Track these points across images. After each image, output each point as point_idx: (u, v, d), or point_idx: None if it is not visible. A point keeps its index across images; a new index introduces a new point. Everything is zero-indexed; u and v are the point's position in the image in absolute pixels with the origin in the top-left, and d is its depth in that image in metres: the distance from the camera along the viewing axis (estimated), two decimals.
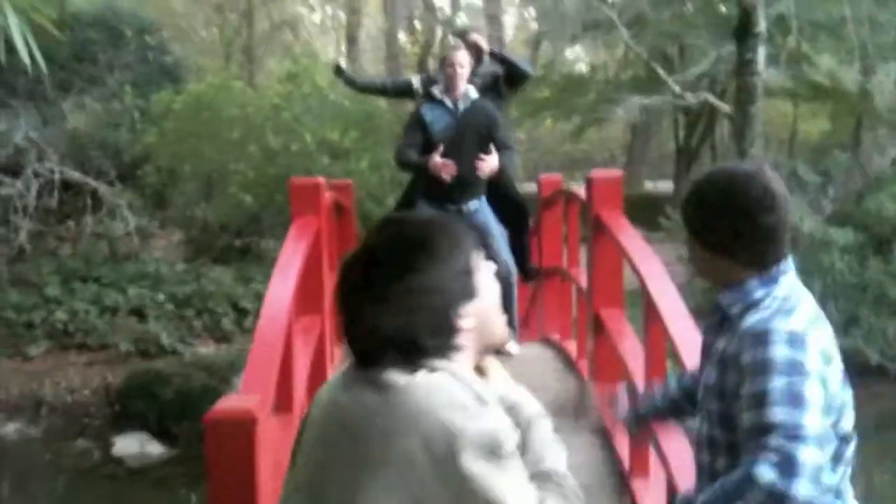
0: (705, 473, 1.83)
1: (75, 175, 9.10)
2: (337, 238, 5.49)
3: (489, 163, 4.88)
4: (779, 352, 1.60)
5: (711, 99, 10.14)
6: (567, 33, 14.85)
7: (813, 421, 1.51)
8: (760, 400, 1.56)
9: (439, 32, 17.43)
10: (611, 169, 4.82)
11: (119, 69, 10.99)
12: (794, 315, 1.68)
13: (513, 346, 5.47)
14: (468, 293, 1.36)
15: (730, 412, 1.69)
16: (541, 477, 1.34)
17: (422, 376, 1.28)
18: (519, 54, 5.81)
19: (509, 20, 23.57)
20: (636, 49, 11.25)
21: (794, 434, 1.49)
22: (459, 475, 1.21)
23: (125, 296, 8.68)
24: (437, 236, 1.38)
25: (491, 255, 4.38)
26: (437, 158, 4.82)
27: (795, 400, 1.54)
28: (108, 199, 9.16)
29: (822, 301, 8.12)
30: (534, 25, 19.76)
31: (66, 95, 9.84)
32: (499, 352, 5.20)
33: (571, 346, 5.39)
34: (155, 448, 7.30)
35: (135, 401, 7.66)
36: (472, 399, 1.27)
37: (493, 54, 5.80)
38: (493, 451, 1.23)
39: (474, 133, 4.98)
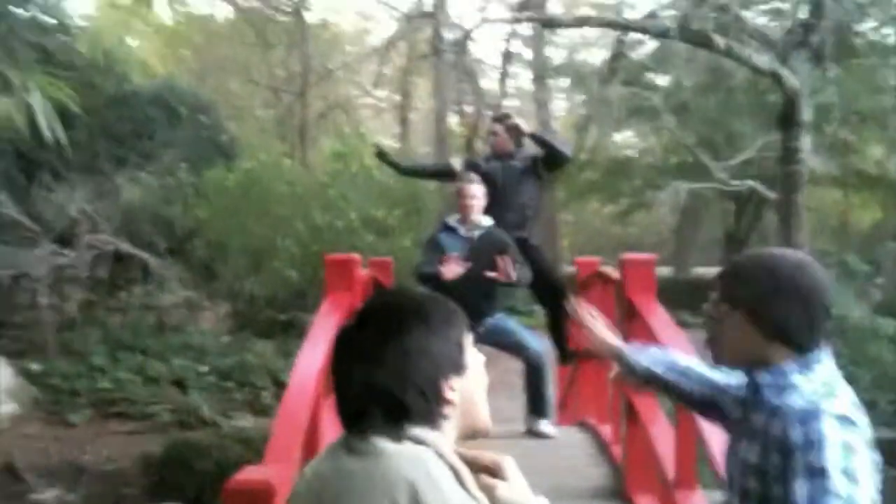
0: None
1: (127, 247, 9.36)
2: None
3: (503, 272, 5.01)
4: (830, 430, 1.61)
5: (756, 186, 10.10)
6: (613, 119, 14.99)
7: (866, 500, 1.55)
8: (818, 472, 1.57)
9: (488, 116, 17.71)
10: (646, 253, 4.80)
11: (174, 146, 11.37)
12: (837, 398, 1.69)
13: (549, 429, 5.45)
14: (457, 366, 1.38)
15: (770, 493, 1.69)
16: None
17: (406, 447, 1.30)
18: (561, 137, 5.89)
19: (559, 104, 23.90)
20: (680, 136, 11.30)
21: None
22: None
23: (169, 366, 8.81)
24: (430, 306, 1.41)
25: (514, 348, 4.37)
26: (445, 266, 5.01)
27: (851, 476, 1.56)
28: (158, 271, 9.38)
29: (871, 391, 7.96)
30: (582, 110, 19.99)
31: (121, 170, 10.18)
32: (536, 433, 5.17)
33: (606, 431, 5.33)
34: None
35: (173, 471, 7.69)
36: (450, 480, 1.27)
37: (533, 136, 5.91)
38: None
39: (487, 260, 5.09)
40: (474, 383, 1.41)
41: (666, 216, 22.86)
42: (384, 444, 1.29)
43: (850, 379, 1.80)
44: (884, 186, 12.51)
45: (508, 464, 1.41)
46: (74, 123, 10.69)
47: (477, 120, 17.42)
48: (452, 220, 5.41)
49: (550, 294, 5.73)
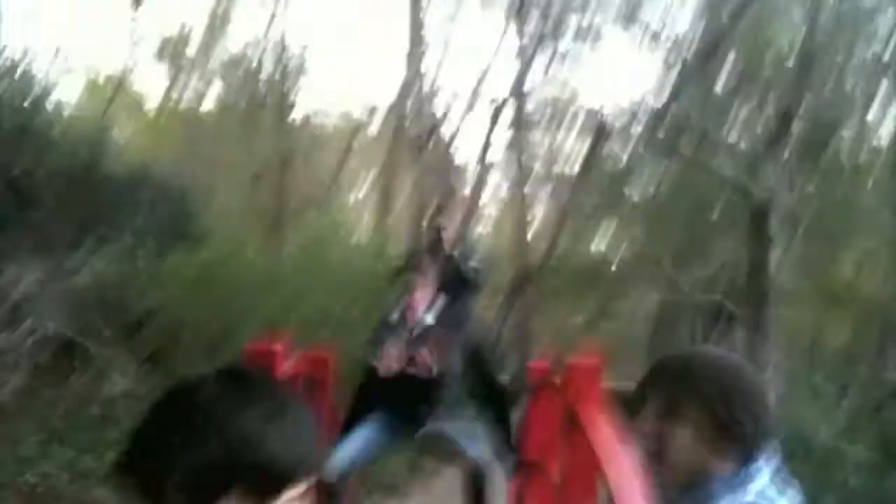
0: None
1: (69, 333, 8.99)
2: None
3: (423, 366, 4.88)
4: None
5: (723, 301, 9.95)
6: (583, 225, 15.00)
7: None
8: None
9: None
10: (592, 356, 4.54)
11: (140, 231, 11.14)
12: None
13: None
14: (256, 493, 1.11)
15: None
16: None
17: None
18: (477, 266, 5.63)
19: (536, 210, 23.97)
20: (648, 245, 11.22)
21: None
22: None
23: (102, 463, 8.31)
24: (284, 409, 1.15)
25: (451, 456, 4.14)
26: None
27: None
28: (101, 359, 8.98)
29: None
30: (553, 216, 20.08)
31: (74, 252, 9.92)
32: None
33: None
34: None
35: None
36: None
37: (448, 257, 5.69)
38: None
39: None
40: None
41: (637, 327, 22.76)
42: None
43: None
44: (855, 306, 12.39)
45: None
46: (31, 204, 10.50)
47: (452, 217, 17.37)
48: (393, 319, 5.24)
49: (490, 398, 5.47)
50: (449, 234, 5.80)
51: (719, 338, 16.56)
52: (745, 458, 1.53)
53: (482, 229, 29.16)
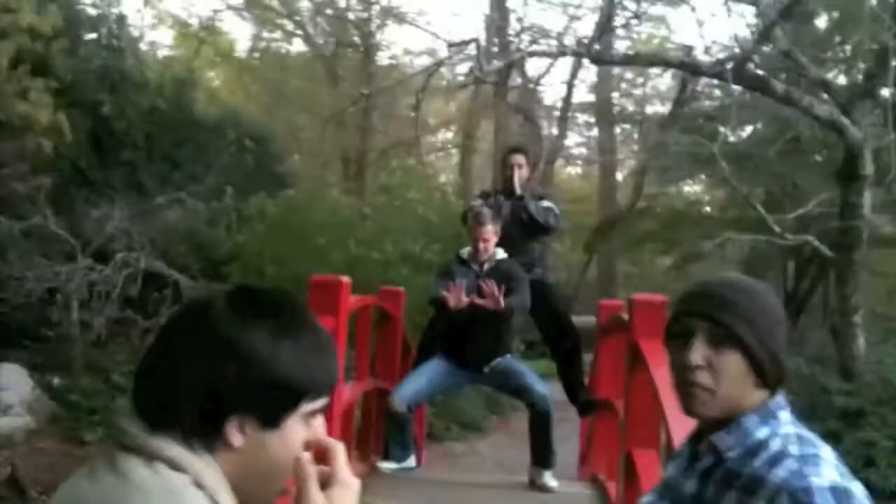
0: None
1: (161, 267, 9.31)
2: (365, 342, 5.36)
3: (491, 299, 4.82)
4: None
5: (813, 241, 9.58)
6: (672, 168, 14.62)
7: None
8: None
9: (543, 159, 17.50)
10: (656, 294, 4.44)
11: (228, 173, 11.39)
12: (824, 462, 1.38)
13: (552, 482, 5.18)
14: (263, 411, 1.09)
15: None
16: None
17: (157, 475, 1.02)
18: (553, 208, 5.62)
19: (621, 152, 23.58)
20: (738, 187, 10.86)
21: None
22: None
23: None
24: (290, 328, 1.11)
25: (518, 392, 4.19)
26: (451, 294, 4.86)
27: None
28: (188, 293, 9.28)
29: None
30: (641, 158, 19.66)
31: (164, 190, 10.22)
32: (537, 486, 4.85)
33: (614, 488, 4.95)
34: None
35: None
36: None
37: (520, 198, 5.64)
38: None
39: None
40: (277, 453, 1.10)
41: (727, 270, 22.24)
42: (129, 468, 1.02)
43: None
44: None
45: (343, 478, 1.11)
46: (122, 144, 10.84)
47: (536, 160, 17.20)
48: (465, 252, 5.26)
49: (559, 337, 5.45)
50: (522, 175, 5.75)
51: (811, 284, 16.08)
52: (777, 387, 1.49)
53: (571, 171, 28.89)
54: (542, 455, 5.10)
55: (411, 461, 5.39)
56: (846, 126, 8.51)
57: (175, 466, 1.03)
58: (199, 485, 1.03)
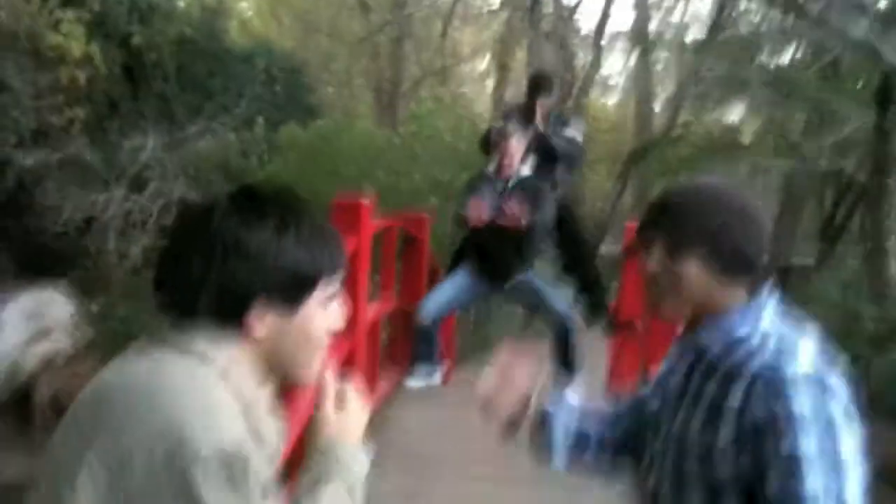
0: None
1: (193, 195, 9.47)
2: (390, 264, 5.45)
3: (513, 215, 4.87)
4: (802, 405, 1.36)
5: (846, 166, 9.43)
6: (707, 94, 14.36)
7: (853, 488, 1.34)
8: (791, 466, 1.34)
9: (576, 87, 17.29)
10: None
11: (259, 103, 11.45)
12: (800, 354, 1.43)
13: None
14: (284, 295, 1.17)
15: (714, 471, 1.45)
16: None
17: (187, 365, 1.11)
18: (575, 147, 5.59)
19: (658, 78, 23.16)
20: (774, 113, 10.66)
21: None
22: (179, 490, 1.02)
23: None
24: (302, 221, 1.19)
25: (540, 309, 4.28)
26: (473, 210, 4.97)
27: (833, 465, 1.34)
28: None
29: None
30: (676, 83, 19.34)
31: (195, 119, 10.32)
32: None
33: None
34: None
35: None
36: (229, 409, 1.09)
37: (543, 136, 5.59)
38: (229, 477, 1.03)
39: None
40: (299, 338, 1.19)
41: (764, 196, 21.96)
42: (162, 357, 1.12)
43: None
44: None
45: (354, 399, 1.27)
46: (154, 74, 10.92)
47: (567, 91, 16.97)
48: (490, 169, 5.28)
49: (578, 258, 5.50)
50: (545, 104, 5.71)
51: (848, 212, 15.86)
52: (753, 286, 1.53)
53: (606, 100, 28.49)
54: (563, 368, 5.17)
55: (437, 378, 5.53)
56: (882, 49, 8.29)
57: (203, 360, 1.12)
58: (225, 377, 1.11)
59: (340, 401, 1.27)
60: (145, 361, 1.12)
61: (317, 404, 1.25)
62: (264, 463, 1.10)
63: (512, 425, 1.76)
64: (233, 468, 1.03)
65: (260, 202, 1.19)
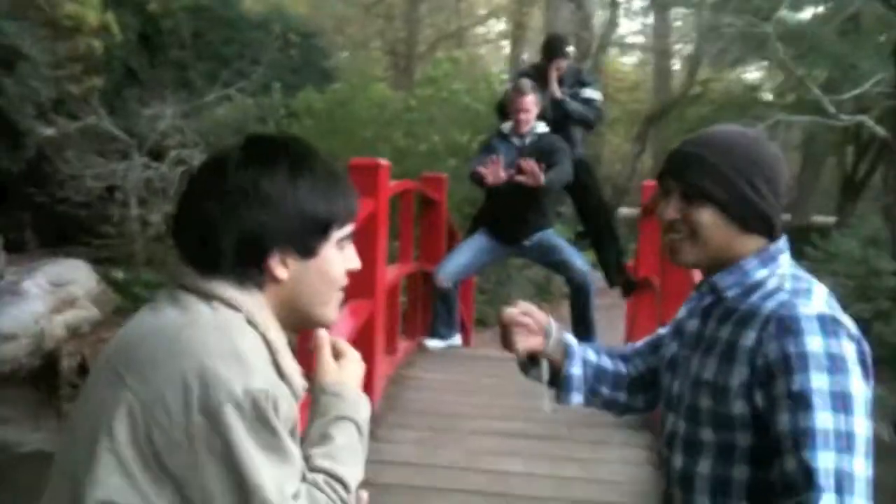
0: (677, 478, 1.60)
1: None
2: (408, 226, 5.48)
3: (530, 174, 4.81)
4: (814, 343, 1.40)
5: (866, 121, 9.34)
6: (725, 51, 14.19)
7: (861, 425, 1.36)
8: (802, 402, 1.37)
9: (594, 47, 17.11)
10: None
11: (275, 69, 11.44)
12: (814, 297, 1.47)
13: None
14: (301, 243, 1.20)
15: (729, 411, 1.48)
16: (316, 471, 1.17)
17: (214, 312, 1.14)
18: (592, 111, 5.59)
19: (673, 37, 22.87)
20: (794, 69, 10.54)
21: (845, 445, 1.35)
22: (210, 431, 1.05)
23: None
24: (314, 164, 1.22)
25: (558, 267, 4.28)
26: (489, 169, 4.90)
27: (843, 401, 1.36)
28: None
29: None
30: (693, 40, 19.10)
31: (212, 87, 10.33)
32: None
33: None
34: None
35: None
36: (257, 353, 1.13)
37: (561, 101, 5.56)
38: (259, 418, 1.07)
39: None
40: (319, 279, 1.23)
41: (787, 155, 21.73)
42: (190, 303, 1.15)
43: None
44: None
45: (350, 352, 1.32)
46: (170, 42, 10.93)
47: (585, 50, 16.82)
48: (506, 127, 5.26)
49: (594, 215, 5.50)
50: (561, 66, 5.67)
51: (869, 169, 15.71)
52: (771, 231, 1.56)
53: (624, 59, 28.20)
54: (581, 327, 5.20)
55: (457, 339, 5.58)
56: None
57: (230, 305, 1.15)
58: (251, 322, 1.15)
59: (337, 354, 1.32)
60: (174, 307, 1.16)
61: (316, 356, 1.30)
62: (292, 405, 1.14)
63: (531, 359, 1.79)
64: (264, 410, 1.07)
65: (272, 150, 1.23)
